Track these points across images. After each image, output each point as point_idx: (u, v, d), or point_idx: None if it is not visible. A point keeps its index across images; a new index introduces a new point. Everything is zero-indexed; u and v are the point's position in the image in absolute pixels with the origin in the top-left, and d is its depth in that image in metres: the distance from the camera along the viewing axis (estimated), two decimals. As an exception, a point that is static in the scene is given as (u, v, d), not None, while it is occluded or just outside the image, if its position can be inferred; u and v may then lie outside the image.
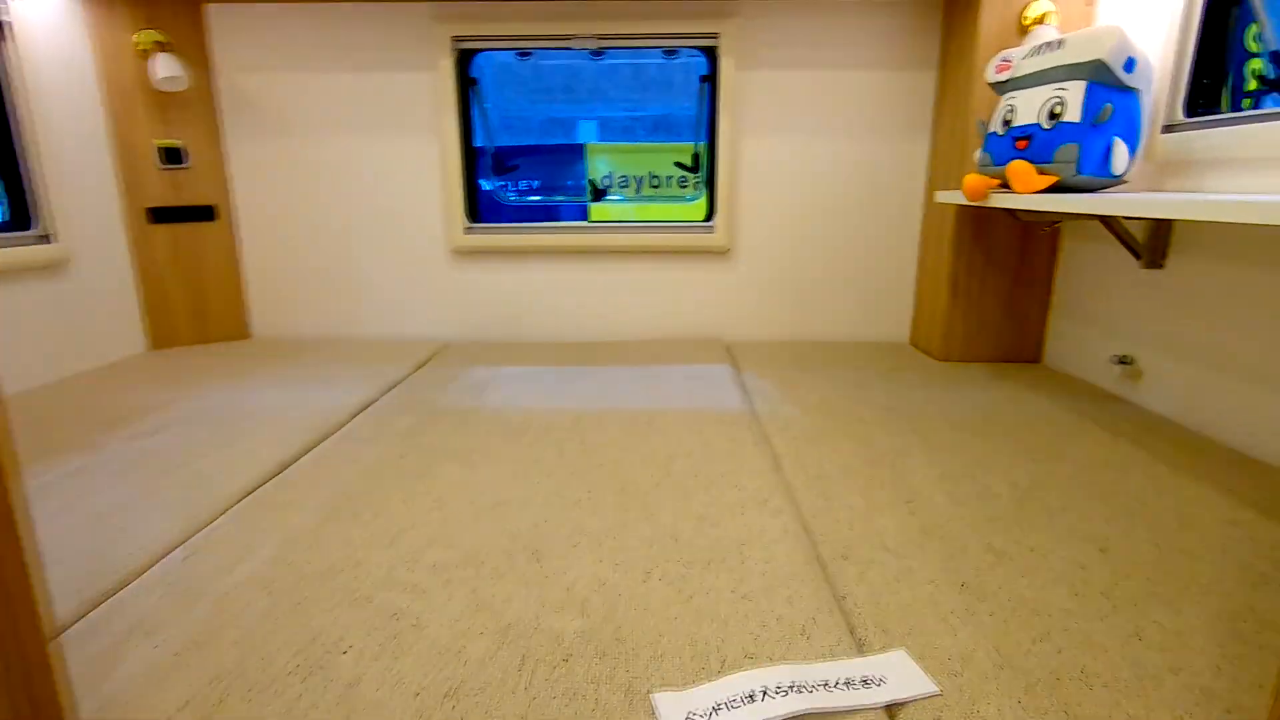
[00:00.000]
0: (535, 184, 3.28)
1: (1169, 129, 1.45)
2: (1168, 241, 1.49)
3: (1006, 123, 1.47)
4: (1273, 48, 1.37)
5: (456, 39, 2.00)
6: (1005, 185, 1.50)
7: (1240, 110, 1.39)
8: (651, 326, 2.24)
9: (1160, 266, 1.51)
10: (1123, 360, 1.60)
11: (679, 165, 2.39)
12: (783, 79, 2.03)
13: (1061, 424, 1.43)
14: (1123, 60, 1.32)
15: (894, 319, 2.20)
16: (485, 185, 2.61)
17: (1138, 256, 1.54)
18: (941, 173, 1.97)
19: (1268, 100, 1.41)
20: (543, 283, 2.21)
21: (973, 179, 1.48)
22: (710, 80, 2.08)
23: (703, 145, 2.19)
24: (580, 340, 2.23)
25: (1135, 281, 1.58)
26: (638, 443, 1.33)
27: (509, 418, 1.48)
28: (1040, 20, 1.71)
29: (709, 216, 2.16)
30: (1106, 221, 1.53)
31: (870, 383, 1.73)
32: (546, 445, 1.32)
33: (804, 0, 1.97)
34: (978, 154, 1.58)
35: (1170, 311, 1.48)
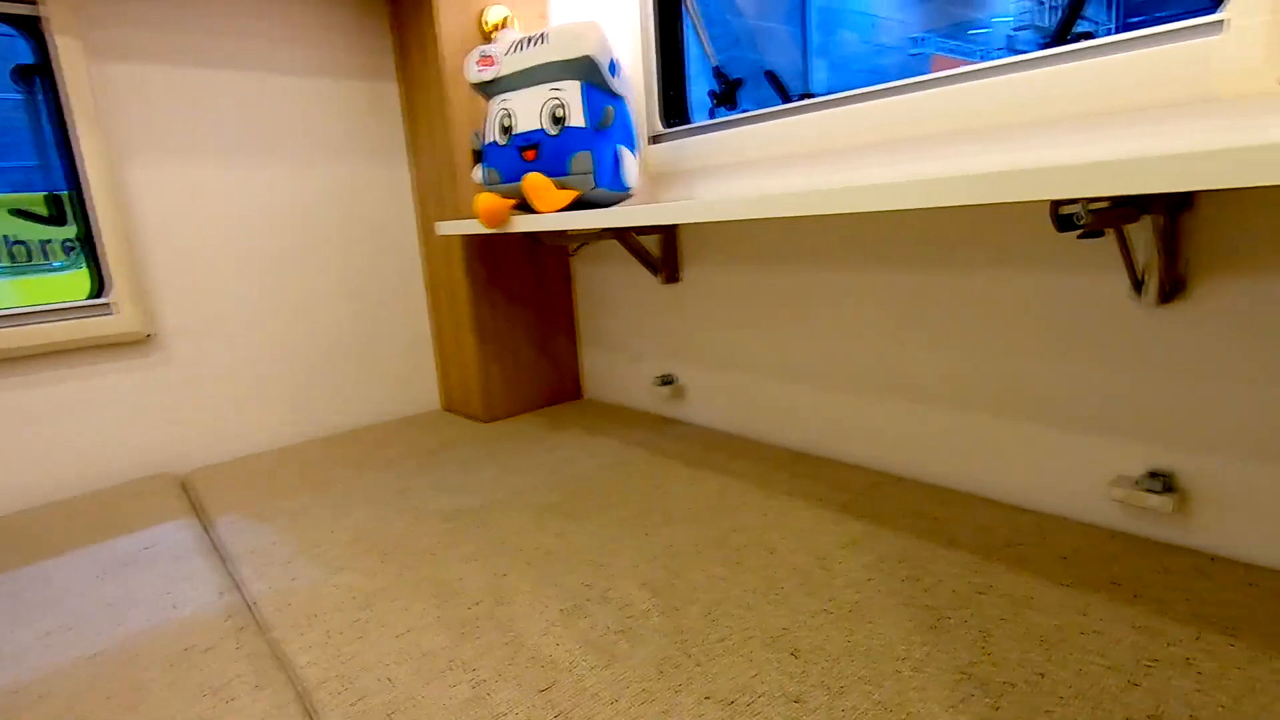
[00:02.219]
0: None
1: (655, 139, 1.41)
2: (679, 254, 1.45)
3: (506, 130, 1.20)
4: (714, 63, 1.44)
5: None
6: (523, 204, 1.23)
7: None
8: (40, 487, 1.31)
9: (677, 280, 1.46)
10: (665, 380, 1.53)
11: (21, 215, 1.48)
12: (186, 80, 1.39)
13: (643, 471, 1.24)
14: (608, 61, 1.18)
15: (418, 383, 1.78)
16: None
17: (655, 272, 1.47)
18: (433, 200, 1.63)
19: (720, 111, 1.48)
20: None
21: (488, 200, 1.16)
22: (43, 75, 1.29)
23: (65, 191, 1.37)
24: None
25: (657, 298, 1.53)
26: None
27: None
28: (503, 25, 1.51)
29: (99, 291, 1.36)
30: (623, 239, 1.41)
31: (414, 483, 1.27)
32: None
33: (188, -30, 1.37)
34: (479, 170, 1.28)
35: (694, 323, 1.45)
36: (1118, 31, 0.80)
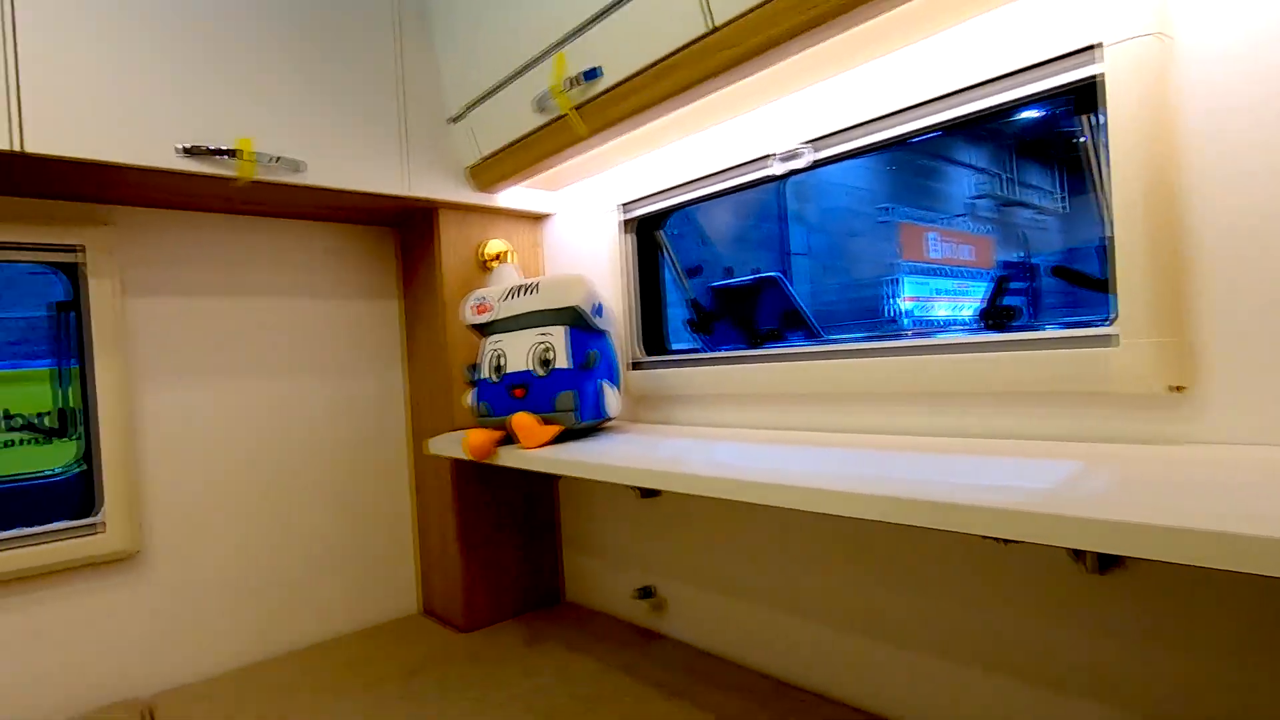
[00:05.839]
0: None
1: (636, 366, 1.52)
2: (658, 470, 1.52)
3: (498, 369, 1.31)
4: (689, 295, 1.59)
5: None
6: (510, 436, 1.31)
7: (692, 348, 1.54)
8: (9, 713, 1.26)
9: (656, 494, 1.52)
10: (645, 593, 1.54)
11: (30, 429, 1.54)
12: (203, 309, 1.51)
13: (622, 706, 1.22)
14: (592, 306, 1.31)
15: (398, 586, 1.77)
16: None
17: (634, 486, 1.53)
18: (425, 410, 1.71)
19: (698, 340, 1.61)
20: None
21: (476, 437, 1.24)
22: (75, 310, 1.40)
23: (74, 395, 1.44)
24: None
25: (635, 511, 1.57)
26: None
27: None
28: (499, 258, 1.68)
29: (94, 509, 1.39)
30: (605, 458, 1.48)
31: (389, 716, 1.24)
32: None
33: (219, 213, 1.54)
34: (471, 400, 1.37)
35: (671, 538, 1.49)
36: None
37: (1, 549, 1.27)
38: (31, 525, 1.36)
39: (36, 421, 1.57)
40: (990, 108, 0.98)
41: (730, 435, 1.25)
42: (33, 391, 1.85)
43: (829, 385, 1.15)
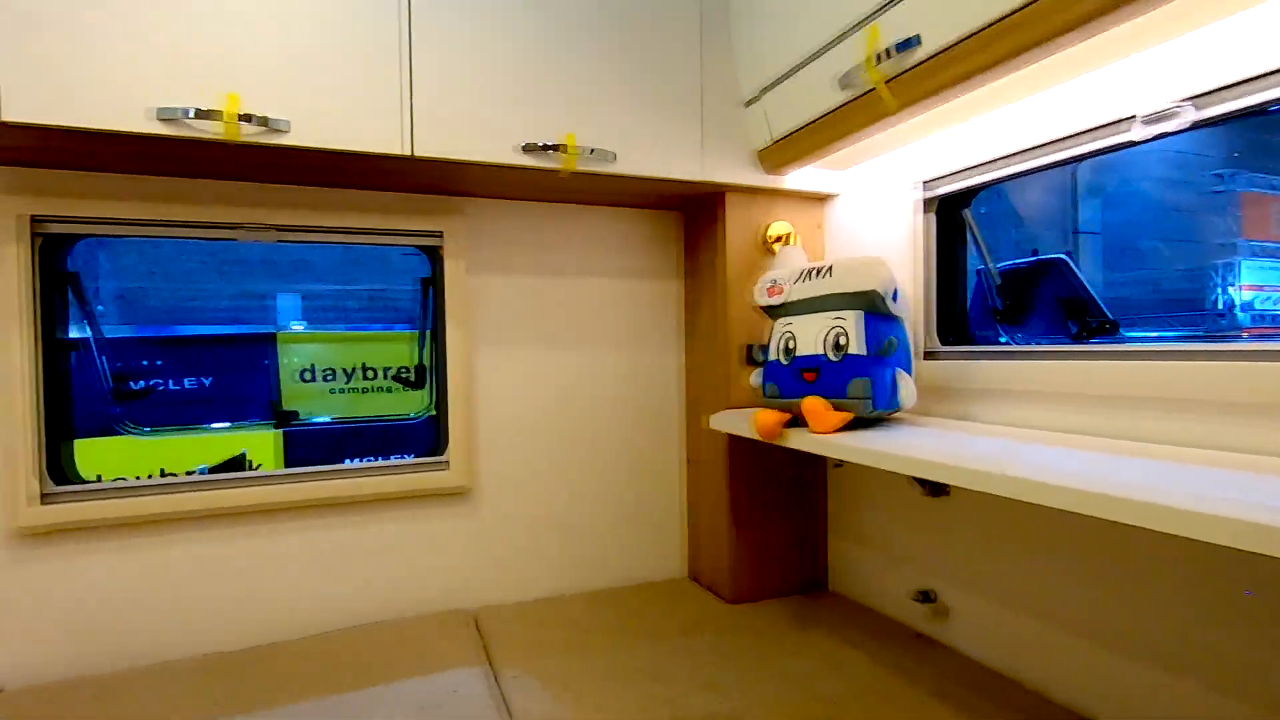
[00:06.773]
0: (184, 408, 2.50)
1: (930, 356, 1.43)
2: (947, 468, 1.41)
3: (789, 351, 1.31)
4: (997, 282, 1.44)
5: (37, 220, 1.35)
6: (797, 419, 1.31)
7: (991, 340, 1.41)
8: (365, 609, 1.61)
9: (945, 493, 1.42)
10: (924, 596, 1.46)
11: (398, 380, 1.91)
12: (521, 285, 1.74)
13: (899, 706, 1.17)
14: (891, 290, 1.25)
15: (666, 549, 1.89)
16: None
17: (920, 483, 1.44)
18: (705, 387, 1.79)
19: (1003, 331, 1.46)
20: (186, 565, 1.48)
21: (765, 417, 1.26)
22: (433, 284, 1.70)
23: (427, 354, 1.76)
24: (249, 646, 1.49)
25: (920, 509, 1.48)
26: None
27: None
28: (783, 240, 1.68)
29: (439, 449, 1.68)
30: (889, 449, 1.41)
31: (671, 669, 1.33)
32: None
33: (535, 201, 1.75)
34: (757, 380, 1.40)
35: (962, 543, 1.38)
36: None
37: (371, 474, 1.60)
38: (392, 457, 1.69)
39: (400, 374, 1.94)
40: None
41: (1044, 438, 1.12)
42: (391, 349, 2.28)
43: (1177, 390, 0.96)
